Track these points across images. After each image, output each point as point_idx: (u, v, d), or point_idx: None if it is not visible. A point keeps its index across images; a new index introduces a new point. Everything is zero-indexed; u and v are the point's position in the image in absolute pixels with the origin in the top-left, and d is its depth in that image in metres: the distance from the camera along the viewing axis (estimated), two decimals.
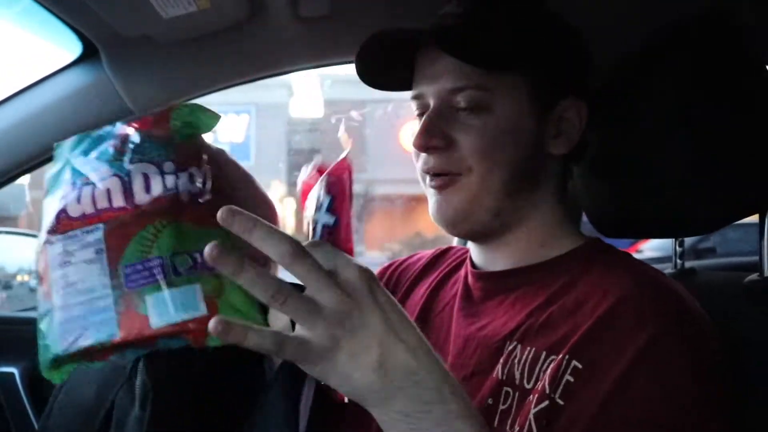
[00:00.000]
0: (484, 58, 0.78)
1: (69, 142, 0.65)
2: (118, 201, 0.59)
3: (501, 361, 0.76)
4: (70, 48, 1.28)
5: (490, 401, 0.75)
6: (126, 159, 0.60)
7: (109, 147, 0.61)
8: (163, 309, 0.56)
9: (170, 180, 0.59)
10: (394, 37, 0.83)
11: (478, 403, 0.76)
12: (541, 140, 0.82)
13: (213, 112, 0.63)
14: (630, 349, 0.66)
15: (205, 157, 0.62)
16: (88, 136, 0.63)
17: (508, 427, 0.71)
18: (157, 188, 0.59)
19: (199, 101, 1.41)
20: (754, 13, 0.99)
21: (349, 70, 0.90)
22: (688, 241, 1.01)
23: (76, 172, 0.61)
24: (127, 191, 0.59)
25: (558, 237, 0.84)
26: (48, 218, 0.61)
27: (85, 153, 0.62)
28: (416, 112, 0.86)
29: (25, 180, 1.43)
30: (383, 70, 0.88)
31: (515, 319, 0.79)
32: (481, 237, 0.86)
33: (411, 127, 0.90)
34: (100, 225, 0.58)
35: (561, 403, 0.67)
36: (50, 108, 1.33)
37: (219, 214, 0.53)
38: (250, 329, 0.53)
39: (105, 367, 0.87)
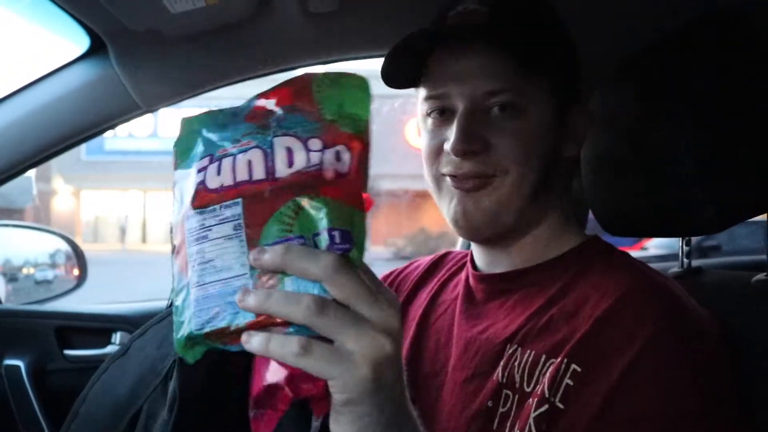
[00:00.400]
0: (532, 54, 0.76)
1: (198, 117, 0.62)
2: (258, 173, 0.55)
3: (501, 364, 0.77)
4: (78, 42, 1.28)
5: (489, 404, 0.75)
6: (269, 132, 0.57)
7: (247, 120, 0.58)
8: (305, 291, 0.53)
9: (315, 156, 0.55)
10: (420, 38, 0.80)
11: (478, 405, 0.76)
12: (559, 142, 0.82)
13: (361, 84, 0.58)
14: (628, 351, 0.66)
15: (357, 136, 0.57)
16: (221, 111, 0.61)
17: (507, 430, 0.72)
18: (300, 162, 0.55)
19: (207, 95, 1.41)
20: (762, 13, 0.99)
21: (357, 65, 0.89)
22: (694, 239, 1.00)
23: (211, 144, 0.59)
24: (269, 164, 0.55)
25: (560, 237, 0.84)
26: (187, 192, 0.58)
27: (221, 128, 0.59)
28: (427, 111, 0.83)
29: (31, 173, 1.43)
30: (407, 72, 0.85)
31: (516, 322, 0.79)
32: (497, 241, 0.85)
33: (417, 123, 0.89)
34: (239, 200, 0.55)
35: (561, 406, 0.67)
36: (58, 102, 1.33)
37: (249, 258, 0.53)
38: (272, 337, 0.51)
39: (143, 365, 0.87)
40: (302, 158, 0.55)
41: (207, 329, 0.54)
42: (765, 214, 0.89)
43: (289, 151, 0.55)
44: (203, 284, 0.55)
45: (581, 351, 0.69)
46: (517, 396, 0.73)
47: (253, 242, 0.54)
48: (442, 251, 1.05)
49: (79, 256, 1.97)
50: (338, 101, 0.57)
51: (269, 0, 1.18)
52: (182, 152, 0.61)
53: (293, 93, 0.58)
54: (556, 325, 0.74)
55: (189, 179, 0.59)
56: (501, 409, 0.74)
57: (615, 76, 0.97)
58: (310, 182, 0.54)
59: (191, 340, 0.56)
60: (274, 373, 0.54)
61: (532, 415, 0.69)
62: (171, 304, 0.87)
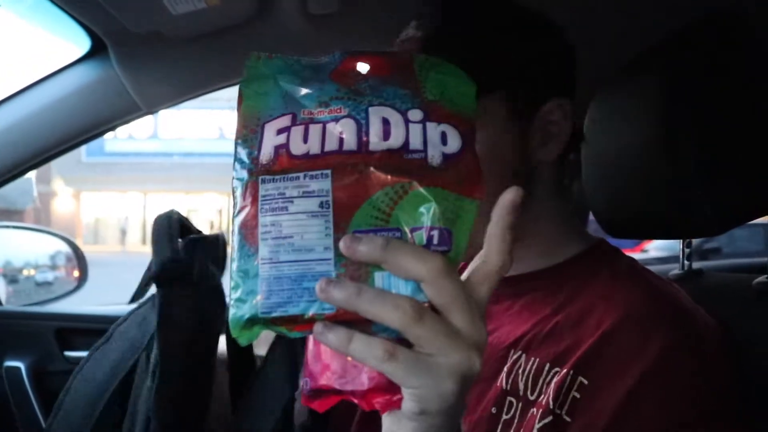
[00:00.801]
0: None
1: (269, 60, 0.54)
2: (350, 144, 0.49)
3: (505, 370, 0.76)
4: (79, 43, 1.29)
5: (493, 410, 0.75)
6: (364, 99, 0.50)
7: (333, 81, 0.52)
8: (396, 290, 0.47)
9: (416, 132, 0.49)
10: None
11: (482, 410, 0.76)
12: (528, 151, 0.79)
13: (465, 77, 0.52)
14: (637, 366, 0.66)
15: (466, 116, 0.51)
16: (298, 62, 0.54)
17: None
18: (398, 137, 0.49)
19: (207, 97, 1.42)
20: (761, 13, 0.99)
21: None
22: (694, 241, 1.00)
23: (292, 100, 0.52)
24: (363, 137, 0.49)
25: (563, 241, 0.83)
26: (263, 150, 0.51)
27: (302, 80, 0.53)
28: None
29: (32, 174, 1.44)
30: None
31: (521, 327, 0.78)
32: None
33: None
34: (328, 171, 0.49)
35: (568, 419, 0.67)
36: (58, 103, 1.33)
37: (341, 245, 0.46)
38: (355, 335, 0.46)
39: (124, 346, 0.88)
40: (401, 133, 0.49)
41: (276, 314, 0.48)
42: (766, 217, 0.89)
43: (386, 123, 0.49)
44: (277, 262, 0.48)
45: (588, 364, 0.68)
46: (520, 404, 0.73)
47: (340, 226, 0.48)
48: None
49: (79, 258, 1.97)
50: (442, 85, 0.52)
51: (269, 1, 1.18)
52: (253, 95, 0.53)
53: (391, 65, 0.52)
54: (560, 333, 0.73)
55: (265, 133, 0.51)
56: (505, 416, 0.73)
57: (614, 77, 0.97)
58: (411, 167, 0.48)
59: (252, 321, 0.49)
60: (348, 382, 0.50)
61: (537, 426, 0.69)
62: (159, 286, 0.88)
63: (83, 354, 1.54)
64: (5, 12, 1.25)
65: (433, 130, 0.49)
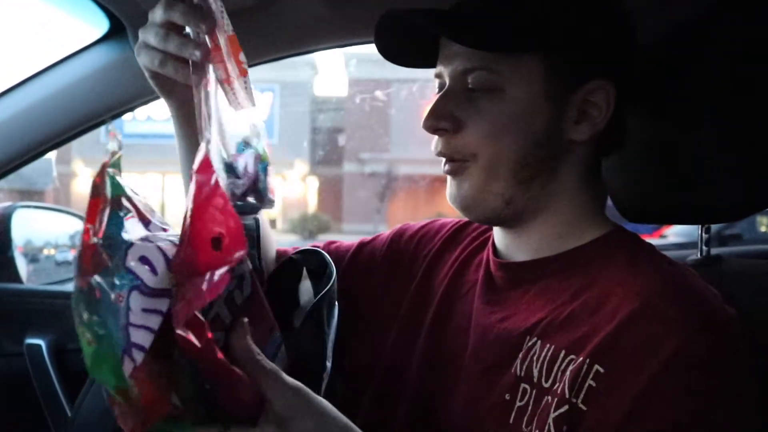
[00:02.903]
0: (484, 41, 0.74)
1: None
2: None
3: (520, 356, 0.75)
4: (98, 25, 1.29)
5: (507, 396, 0.74)
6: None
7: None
8: None
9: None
10: (406, 19, 0.79)
11: (495, 397, 0.75)
12: (560, 125, 0.78)
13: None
14: (654, 357, 0.65)
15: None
16: None
17: (524, 426, 0.71)
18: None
19: None
20: None
21: (374, 49, 0.88)
22: (714, 227, 0.99)
23: None
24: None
25: (581, 226, 0.81)
26: None
27: None
28: (437, 91, 0.83)
29: (51, 155, 1.45)
30: (407, 50, 0.86)
31: (536, 314, 0.77)
32: (497, 222, 0.84)
33: None
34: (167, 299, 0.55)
35: (583, 408, 0.66)
36: (78, 84, 1.34)
37: None
38: None
39: None
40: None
41: None
42: None
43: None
44: None
45: (605, 352, 0.67)
46: (534, 391, 0.72)
47: None
48: (465, 219, 0.98)
49: None
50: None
51: None
52: None
53: None
54: (576, 320, 0.72)
55: None
56: (518, 403, 0.73)
57: (634, 63, 0.96)
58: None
59: None
60: None
61: (552, 415, 0.68)
62: None
63: None
64: None
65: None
